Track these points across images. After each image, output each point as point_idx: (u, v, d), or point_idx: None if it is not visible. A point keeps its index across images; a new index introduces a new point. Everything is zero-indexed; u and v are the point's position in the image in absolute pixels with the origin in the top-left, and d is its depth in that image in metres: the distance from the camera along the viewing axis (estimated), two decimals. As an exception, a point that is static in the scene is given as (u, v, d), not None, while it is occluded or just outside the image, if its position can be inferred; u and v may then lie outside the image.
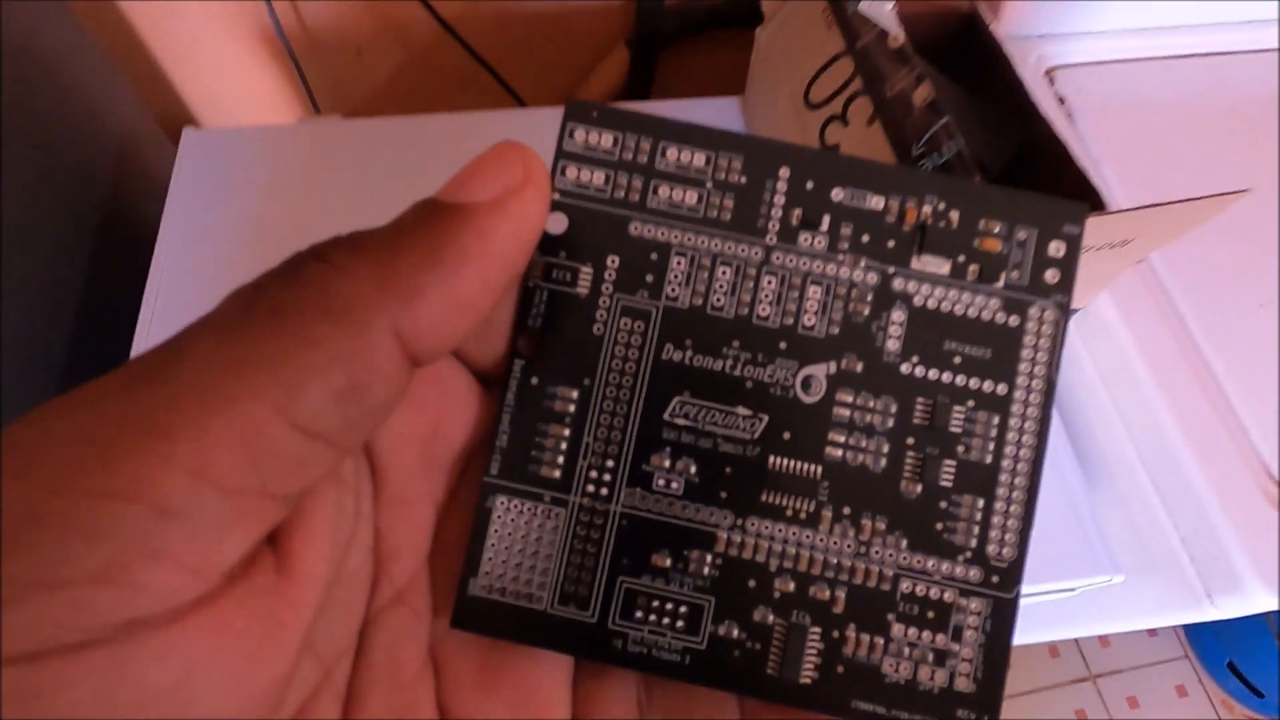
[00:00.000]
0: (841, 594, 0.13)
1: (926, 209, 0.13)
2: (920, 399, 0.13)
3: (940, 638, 0.13)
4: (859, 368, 0.13)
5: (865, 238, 0.13)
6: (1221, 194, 0.23)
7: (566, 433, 0.13)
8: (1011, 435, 0.13)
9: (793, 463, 0.13)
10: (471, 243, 0.11)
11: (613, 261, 0.13)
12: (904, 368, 0.13)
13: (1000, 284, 0.13)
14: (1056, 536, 0.30)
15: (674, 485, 0.13)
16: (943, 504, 0.13)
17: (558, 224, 0.13)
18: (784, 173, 0.13)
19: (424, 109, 0.39)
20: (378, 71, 0.54)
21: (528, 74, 0.54)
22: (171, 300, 0.33)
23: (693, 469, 0.13)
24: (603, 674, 0.13)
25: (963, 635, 0.13)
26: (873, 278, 0.13)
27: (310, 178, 0.36)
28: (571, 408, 0.13)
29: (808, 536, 0.13)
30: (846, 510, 0.13)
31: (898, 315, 0.13)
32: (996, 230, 0.13)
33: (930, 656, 0.13)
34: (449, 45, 0.51)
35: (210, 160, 0.36)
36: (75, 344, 0.37)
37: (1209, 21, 0.38)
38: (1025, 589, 0.29)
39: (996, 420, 0.13)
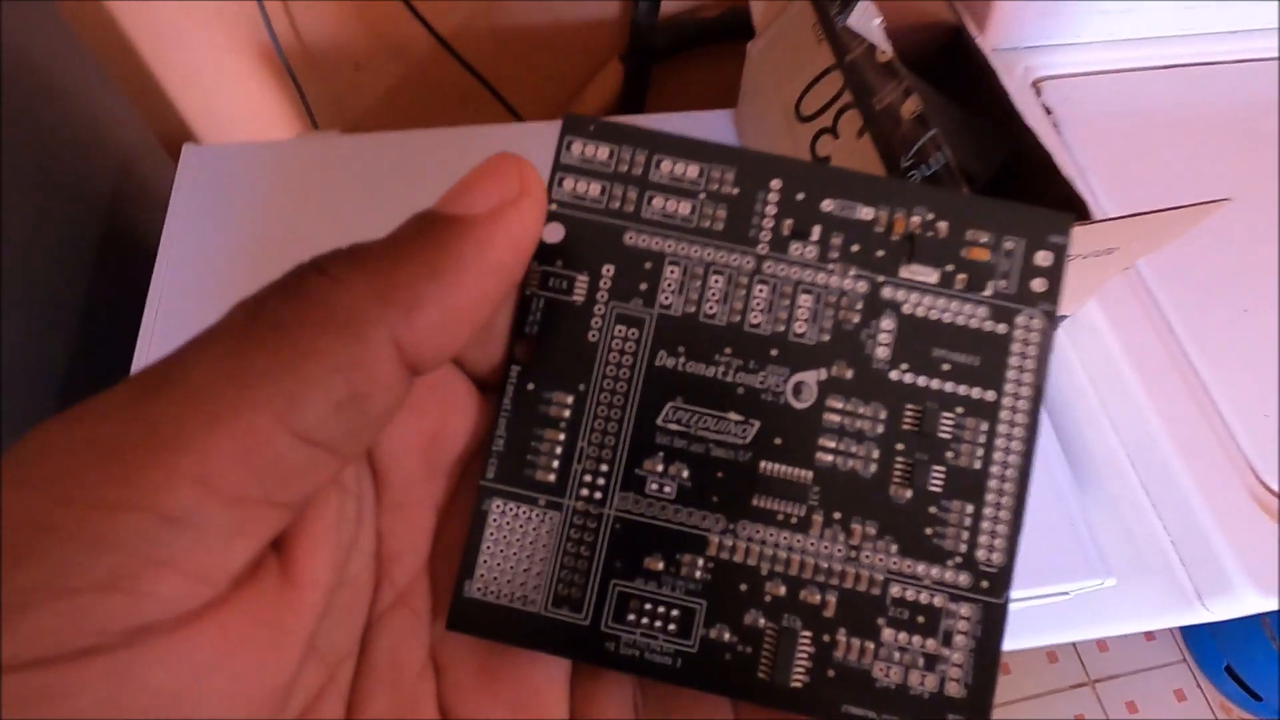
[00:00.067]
0: (832, 598, 0.13)
1: (915, 219, 0.13)
2: (910, 405, 0.13)
3: (930, 642, 0.13)
4: (849, 374, 0.13)
5: (855, 247, 0.13)
6: (1203, 203, 0.24)
7: (561, 437, 0.13)
8: (1000, 441, 0.13)
9: (784, 468, 0.13)
10: (469, 254, 0.11)
11: (608, 270, 0.13)
12: (893, 374, 0.13)
13: (988, 292, 0.13)
14: (1049, 540, 0.30)
15: (667, 489, 0.13)
16: (932, 509, 0.13)
17: (555, 234, 0.14)
18: (775, 184, 0.13)
19: (421, 124, 0.39)
20: (375, 87, 0.55)
21: (524, 89, 0.55)
22: (172, 314, 0.33)
23: (685, 474, 0.13)
24: (599, 676, 0.13)
25: (953, 640, 0.13)
26: (862, 286, 0.13)
27: (309, 192, 0.36)
28: (567, 413, 0.13)
29: (799, 541, 0.13)
30: (837, 515, 0.13)
31: (887, 323, 0.13)
32: (984, 240, 0.13)
33: (921, 661, 0.13)
34: (446, 61, 0.51)
35: (210, 176, 0.37)
36: (76, 358, 0.37)
37: (1193, 32, 0.39)
38: (1019, 593, 0.30)
39: (985, 426, 0.13)
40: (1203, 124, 0.37)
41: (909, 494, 0.13)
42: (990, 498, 0.13)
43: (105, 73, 0.43)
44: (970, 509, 0.13)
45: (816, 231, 0.13)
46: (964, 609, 0.13)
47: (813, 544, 0.13)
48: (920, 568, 0.13)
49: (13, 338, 0.33)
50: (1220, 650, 0.77)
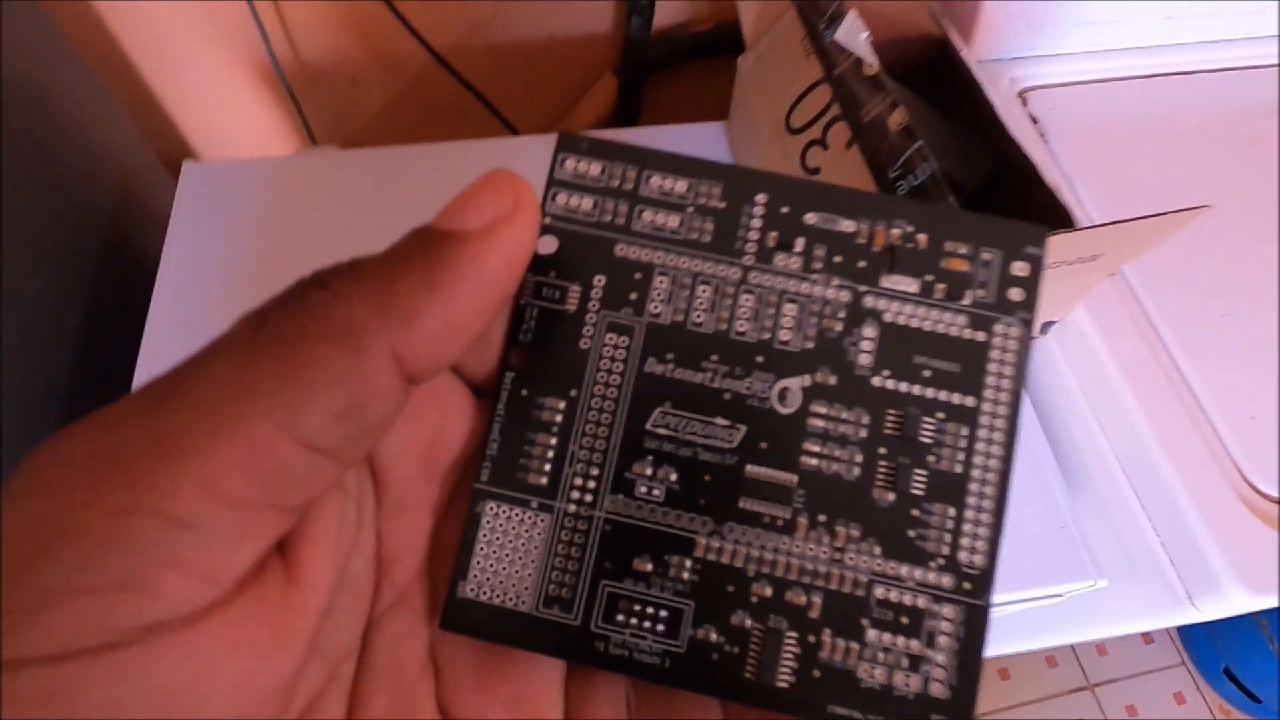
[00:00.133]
0: (817, 599, 0.13)
1: (895, 231, 0.14)
2: (892, 411, 0.13)
3: (914, 643, 0.13)
4: (833, 381, 0.13)
5: (837, 258, 0.14)
6: (1183, 209, 0.24)
7: (553, 442, 0.14)
8: (980, 445, 0.13)
9: (770, 471, 0.13)
10: (464, 268, 0.12)
11: (599, 280, 0.14)
12: (876, 381, 0.13)
13: (967, 301, 0.13)
14: (1041, 543, 0.30)
15: (655, 492, 0.13)
16: (915, 512, 0.13)
17: (548, 245, 0.14)
18: (760, 198, 0.14)
19: (418, 138, 0.39)
20: (372, 102, 0.55)
21: (519, 102, 0.55)
22: (173, 329, 0.33)
23: (674, 477, 0.13)
24: (593, 676, 0.14)
25: (936, 641, 0.13)
26: (845, 296, 0.14)
27: (308, 207, 0.37)
28: (559, 418, 0.14)
29: (784, 543, 0.13)
30: (822, 517, 0.13)
31: (869, 331, 0.14)
32: (962, 251, 0.13)
33: (905, 662, 0.13)
34: (442, 76, 0.52)
35: (210, 192, 0.37)
36: (78, 373, 0.37)
37: (1175, 42, 0.39)
38: (1013, 595, 0.30)
39: (965, 431, 0.13)
40: (1186, 131, 0.37)
41: (892, 497, 0.13)
42: (971, 500, 0.13)
43: (105, 91, 0.44)
44: (952, 512, 0.13)
45: (800, 243, 0.14)
46: (947, 610, 0.13)
47: (798, 546, 0.13)
48: (903, 569, 0.13)
49: (15, 353, 0.33)
50: (1218, 653, 0.78)
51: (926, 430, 0.13)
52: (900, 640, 0.13)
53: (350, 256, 0.12)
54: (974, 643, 0.13)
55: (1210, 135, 0.37)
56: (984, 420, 0.13)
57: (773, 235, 0.14)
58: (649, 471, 0.13)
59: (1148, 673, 0.81)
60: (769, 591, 0.13)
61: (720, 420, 0.14)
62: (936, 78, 0.33)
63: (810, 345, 0.14)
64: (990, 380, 0.13)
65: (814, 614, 0.13)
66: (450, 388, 0.14)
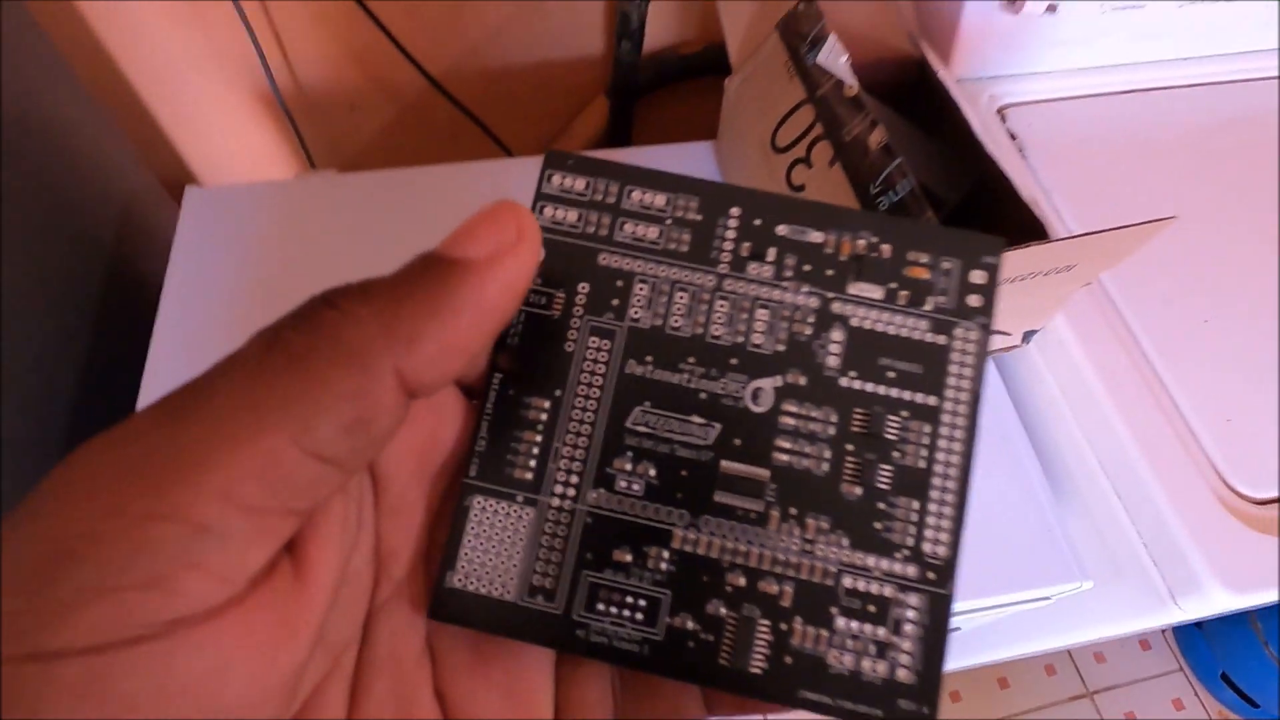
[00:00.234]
0: (789, 588, 0.14)
1: (861, 242, 0.14)
2: (858, 409, 0.14)
3: (881, 631, 0.13)
4: (803, 381, 0.14)
5: (807, 267, 0.14)
6: (1152, 221, 0.25)
7: (539, 439, 0.14)
8: (943, 442, 0.14)
9: (743, 467, 0.14)
10: (466, 295, 0.12)
11: (583, 288, 0.15)
12: (843, 381, 0.14)
13: (928, 307, 0.14)
14: (1028, 547, 0.31)
15: (635, 487, 0.14)
16: (881, 505, 0.14)
17: None
18: (735, 211, 0.15)
19: (415, 161, 0.40)
20: (370, 127, 0.56)
21: (514, 125, 0.56)
22: (177, 351, 0.34)
23: (652, 472, 0.14)
24: (580, 662, 0.14)
25: (902, 629, 0.13)
26: (814, 302, 0.14)
27: (308, 230, 0.38)
28: (544, 416, 0.14)
29: (757, 535, 0.14)
30: (793, 511, 0.14)
31: (837, 335, 0.14)
32: (924, 260, 0.14)
33: (872, 649, 0.13)
34: (438, 100, 0.53)
35: (212, 216, 0.38)
36: (82, 397, 0.37)
37: (1148, 60, 0.41)
38: (1004, 599, 0.30)
39: (928, 429, 0.14)
40: (1161, 145, 0.38)
41: (859, 491, 0.14)
42: (934, 494, 0.14)
43: (109, 118, 0.45)
44: (916, 505, 0.14)
45: (772, 253, 0.15)
46: (912, 599, 0.13)
47: (770, 538, 0.14)
48: (870, 560, 0.14)
49: (20, 377, 0.33)
50: (1215, 658, 0.78)
51: (891, 428, 0.14)
52: (868, 628, 0.13)
53: (350, 276, 0.12)
54: (938, 630, 0.13)
55: (1185, 148, 0.38)
56: (946, 418, 0.14)
57: (746, 245, 0.15)
58: (629, 467, 0.14)
59: (1146, 679, 0.81)
60: (743, 581, 0.14)
61: (697, 419, 0.14)
62: (917, 97, 0.34)
63: (781, 348, 0.14)
64: (951, 380, 0.14)
65: (785, 603, 0.14)
66: (444, 392, 0.15)
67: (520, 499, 0.14)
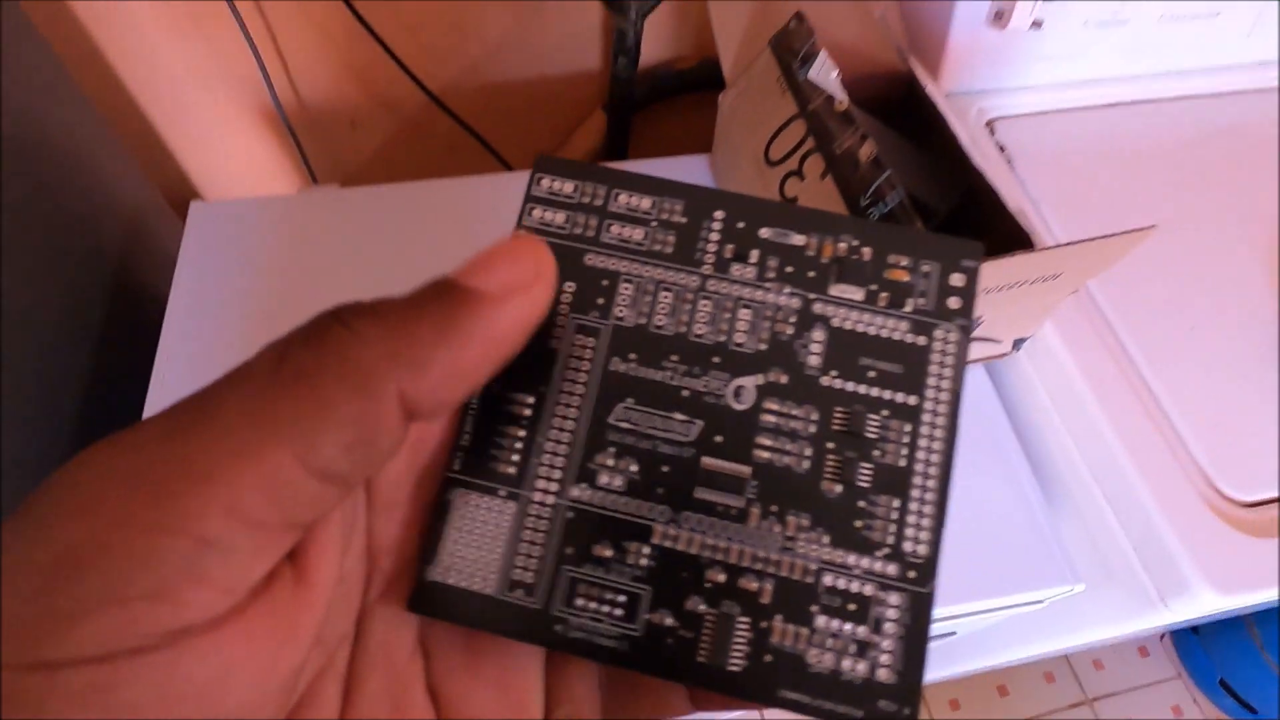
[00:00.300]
0: (769, 585, 0.13)
1: (842, 245, 0.15)
2: (839, 408, 0.14)
3: (862, 629, 0.13)
4: (784, 380, 0.14)
5: (789, 269, 0.15)
6: (1134, 230, 0.26)
7: (523, 434, 0.14)
8: (923, 441, 0.14)
9: (724, 463, 0.14)
10: (476, 327, 0.12)
11: (570, 286, 0.15)
12: (824, 380, 0.14)
13: (908, 309, 0.14)
14: (1021, 551, 0.31)
15: (617, 482, 0.14)
16: (861, 503, 0.14)
17: None
18: (719, 214, 0.15)
19: (415, 175, 0.41)
20: (371, 142, 0.57)
21: (512, 139, 0.57)
22: (182, 365, 0.34)
23: (634, 468, 0.14)
24: (568, 658, 0.14)
25: (883, 627, 0.13)
26: (796, 302, 0.15)
27: (311, 244, 0.38)
28: (528, 411, 0.14)
29: (737, 531, 0.14)
30: (773, 508, 0.14)
31: (818, 335, 0.14)
32: (904, 263, 0.14)
33: (853, 647, 0.13)
34: (437, 115, 0.54)
35: (217, 231, 0.38)
36: (88, 411, 0.38)
37: (1133, 74, 0.41)
38: (998, 602, 0.31)
39: (909, 428, 0.14)
40: (1146, 156, 0.39)
41: (840, 489, 0.14)
42: (915, 493, 0.14)
43: (113, 134, 0.45)
44: (896, 503, 0.14)
45: (755, 255, 0.15)
46: (893, 598, 0.13)
47: (750, 535, 0.14)
48: (851, 558, 0.14)
49: (25, 391, 0.34)
50: (1213, 665, 0.78)
51: (872, 426, 0.14)
52: (848, 626, 0.13)
53: (352, 289, 0.13)
54: (919, 629, 0.13)
55: (1169, 159, 0.39)
56: (926, 417, 0.14)
57: (729, 247, 0.15)
58: (611, 463, 0.14)
59: (1145, 686, 0.81)
60: (722, 578, 0.14)
61: (679, 415, 0.14)
62: (907, 111, 0.35)
63: (764, 347, 0.14)
64: (931, 380, 0.14)
65: (765, 600, 0.13)
66: None
67: (503, 493, 0.14)
